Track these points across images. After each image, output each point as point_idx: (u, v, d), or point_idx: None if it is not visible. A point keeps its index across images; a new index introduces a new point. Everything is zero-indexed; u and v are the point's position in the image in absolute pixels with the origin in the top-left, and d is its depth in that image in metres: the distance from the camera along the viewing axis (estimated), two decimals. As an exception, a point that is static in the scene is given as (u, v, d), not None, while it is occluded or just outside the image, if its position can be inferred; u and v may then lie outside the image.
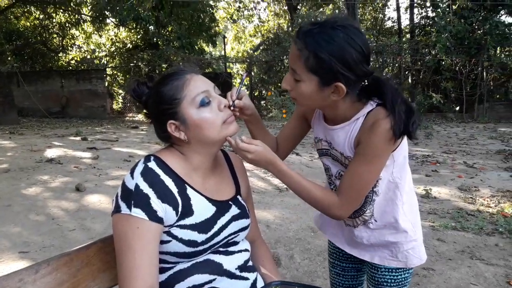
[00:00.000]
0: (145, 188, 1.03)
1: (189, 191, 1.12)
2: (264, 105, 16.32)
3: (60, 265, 1.08)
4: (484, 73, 13.83)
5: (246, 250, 1.25)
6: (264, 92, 16.83)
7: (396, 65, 15.50)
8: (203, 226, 1.11)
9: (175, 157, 1.15)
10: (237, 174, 1.31)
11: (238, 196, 1.26)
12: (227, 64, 17.71)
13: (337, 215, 1.22)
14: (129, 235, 1.02)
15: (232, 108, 1.17)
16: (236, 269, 1.18)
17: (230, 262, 1.18)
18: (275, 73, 16.61)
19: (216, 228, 1.13)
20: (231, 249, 1.20)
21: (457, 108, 14.47)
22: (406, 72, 15.43)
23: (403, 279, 1.34)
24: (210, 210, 1.15)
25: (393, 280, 1.34)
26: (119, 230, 1.03)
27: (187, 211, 1.10)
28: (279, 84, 15.86)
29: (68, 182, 5.00)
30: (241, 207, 1.24)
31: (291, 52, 1.11)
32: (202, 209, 1.13)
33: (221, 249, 1.18)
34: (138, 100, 1.20)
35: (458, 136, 9.71)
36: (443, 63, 14.12)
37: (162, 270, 1.11)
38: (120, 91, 19.37)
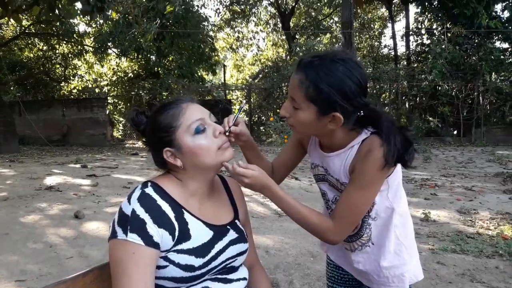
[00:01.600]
0: (142, 213, 1.05)
1: (186, 215, 1.13)
2: (263, 130, 16.42)
3: None
4: (480, 97, 14.00)
5: (244, 278, 1.25)
6: (263, 117, 16.96)
7: (393, 90, 15.70)
8: (200, 251, 1.11)
9: (172, 183, 1.17)
10: (235, 198, 1.32)
11: (236, 221, 1.27)
12: (227, 91, 17.93)
13: (332, 240, 1.25)
14: (125, 260, 1.02)
15: (227, 134, 1.21)
16: None
17: None
18: (274, 100, 16.81)
19: (213, 252, 1.14)
20: (230, 276, 1.20)
21: (455, 132, 14.56)
22: (403, 98, 15.61)
23: None
24: (208, 234, 1.15)
25: None
26: (115, 255, 1.04)
27: (184, 235, 1.10)
28: (278, 110, 16.02)
29: (67, 209, 4.99)
30: (239, 232, 1.25)
31: (291, 82, 1.16)
32: (199, 234, 1.13)
33: (219, 276, 1.18)
34: (137, 128, 1.24)
35: (456, 159, 9.73)
36: (439, 88, 14.30)
37: None
38: (121, 119, 19.54)
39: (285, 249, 3.66)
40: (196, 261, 1.09)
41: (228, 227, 1.22)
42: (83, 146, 15.09)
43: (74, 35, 16.28)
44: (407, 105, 15.59)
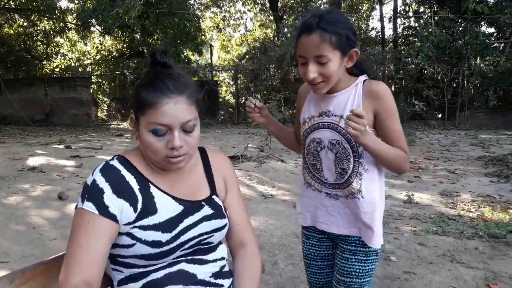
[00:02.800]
0: (101, 182, 1.05)
1: (153, 189, 1.12)
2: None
3: (35, 274, 1.08)
4: (465, 81, 14.13)
5: (222, 258, 1.23)
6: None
7: (380, 74, 15.74)
8: (167, 225, 1.09)
9: (139, 158, 1.16)
10: (214, 173, 1.26)
11: (214, 196, 1.22)
12: (213, 72, 17.74)
13: (408, 168, 1.42)
14: (78, 228, 1.03)
15: (255, 107, 1.53)
16: (210, 277, 1.17)
17: (205, 272, 1.16)
18: (261, 81, 16.70)
19: (181, 226, 1.11)
20: (206, 257, 1.18)
21: (439, 116, 14.74)
22: (390, 81, 15.67)
23: (372, 261, 1.46)
24: (176, 209, 1.13)
25: (362, 259, 1.44)
26: (73, 223, 1.05)
27: (149, 209, 1.09)
28: (265, 92, 15.95)
29: (50, 190, 4.93)
30: (216, 208, 1.20)
31: (310, 43, 1.29)
32: (167, 208, 1.11)
33: (195, 257, 1.16)
34: (154, 64, 1.15)
35: (440, 142, 9.87)
36: (425, 71, 14.39)
37: (136, 277, 1.10)
38: (106, 99, 19.25)
39: (269, 230, 3.69)
40: (163, 236, 1.07)
41: (202, 203, 1.19)
42: (66, 126, 14.85)
43: (56, 12, 15.81)
44: (393, 88, 15.66)
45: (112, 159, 1.13)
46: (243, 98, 17.51)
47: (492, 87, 13.91)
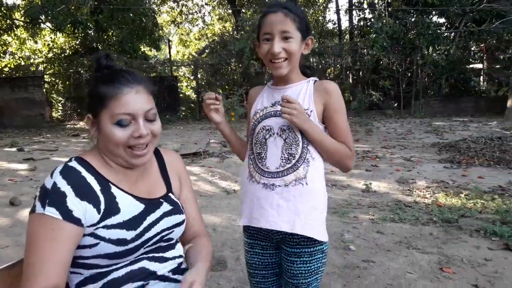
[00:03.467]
0: (63, 185, 1.02)
1: (114, 189, 1.12)
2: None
3: None
4: (419, 71, 14.62)
5: (180, 256, 1.26)
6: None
7: (338, 65, 16.02)
8: (131, 223, 1.10)
9: (98, 158, 1.15)
10: (169, 172, 1.31)
11: (170, 194, 1.27)
12: (173, 67, 17.44)
13: (351, 166, 1.47)
14: (39, 236, 0.99)
15: (216, 99, 1.48)
16: (169, 272, 1.20)
17: (164, 268, 1.19)
18: (222, 76, 16.59)
19: (145, 223, 1.13)
20: (166, 254, 1.21)
21: (395, 105, 15.19)
22: (347, 72, 15.99)
23: (318, 259, 1.43)
24: (138, 207, 1.15)
25: (307, 260, 1.41)
26: (31, 229, 1.00)
27: (112, 209, 1.09)
28: (226, 87, 15.87)
29: (1, 196, 4.70)
30: (173, 204, 1.25)
31: (275, 19, 1.37)
32: (129, 207, 1.13)
33: (156, 254, 1.18)
34: (96, 68, 1.18)
35: (396, 131, 10.20)
36: (381, 62, 14.77)
37: (96, 277, 1.09)
38: (60, 98, 18.51)
39: (232, 226, 3.68)
40: (128, 234, 1.08)
41: (161, 200, 1.22)
42: (19, 128, 14.16)
43: (2, 8, 14.98)
44: (350, 80, 15.99)
45: (70, 160, 1.11)
46: (204, 92, 17.33)
47: (444, 76, 14.46)
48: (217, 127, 1.58)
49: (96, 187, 1.08)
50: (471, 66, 15.47)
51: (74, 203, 1.01)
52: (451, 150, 7.00)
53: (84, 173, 1.08)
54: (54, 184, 1.01)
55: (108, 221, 1.07)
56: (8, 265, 1.11)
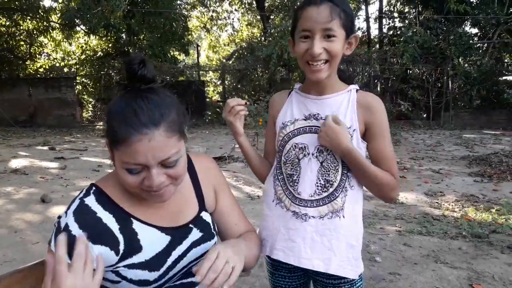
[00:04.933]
0: (75, 229, 0.93)
1: (135, 224, 1.02)
2: (238, 113, 16.37)
3: (12, 283, 1.03)
4: (449, 81, 14.30)
5: None
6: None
7: (366, 74, 15.85)
8: (154, 263, 1.01)
9: (118, 186, 1.03)
10: (202, 184, 1.17)
11: (203, 213, 1.14)
12: (200, 72, 17.67)
13: (395, 196, 1.26)
14: (48, 271, 0.90)
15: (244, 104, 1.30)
16: None
17: None
18: (249, 82, 16.69)
19: (170, 261, 1.04)
20: (194, 279, 1.09)
21: (424, 116, 14.89)
22: (376, 81, 15.80)
23: (360, 285, 1.29)
24: (163, 241, 1.05)
25: (351, 286, 1.26)
26: (46, 262, 0.93)
27: (133, 248, 1.00)
28: (252, 92, 15.93)
29: (33, 193, 4.85)
30: (204, 227, 1.12)
31: (318, 14, 1.15)
32: (152, 243, 1.03)
33: (184, 280, 1.09)
34: (129, 73, 0.96)
35: (425, 142, 9.99)
36: (410, 72, 14.53)
37: None
38: (91, 99, 19.04)
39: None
40: (151, 275, 1.00)
41: (190, 225, 1.09)
42: (51, 128, 14.64)
43: (39, 11, 15.58)
44: (378, 88, 15.80)
45: (88, 193, 1.01)
46: (231, 98, 17.46)
47: (475, 87, 14.10)
48: (238, 138, 1.37)
49: (114, 227, 0.98)
50: (504, 78, 15.03)
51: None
52: (482, 164, 6.80)
53: (100, 212, 0.98)
54: (66, 225, 0.94)
55: (129, 261, 0.99)
56: (40, 260, 1.09)
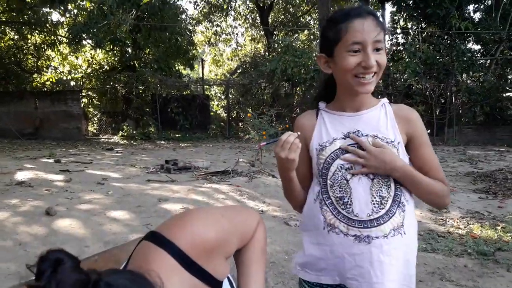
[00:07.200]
0: None
1: None
2: (242, 127, 16.42)
3: (106, 258, 1.07)
4: (453, 97, 14.33)
5: None
6: (242, 114, 16.99)
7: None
8: None
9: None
10: None
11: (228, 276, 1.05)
12: (205, 86, 17.81)
13: (448, 202, 1.27)
14: None
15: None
16: None
17: None
18: (252, 96, 16.80)
19: None
20: None
21: (428, 131, 14.82)
22: (379, 96, 15.82)
23: None
24: None
25: None
26: None
27: None
28: (256, 106, 16.02)
29: (38, 206, 4.86)
30: None
31: (368, 27, 1.14)
32: None
33: None
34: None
35: (429, 158, 9.94)
36: (413, 87, 14.59)
37: None
38: (96, 112, 19.19)
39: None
40: None
41: None
42: (56, 140, 14.73)
43: (47, 25, 15.83)
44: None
45: None
46: (234, 112, 17.56)
47: (479, 103, 14.12)
48: (290, 174, 1.27)
49: None
50: (507, 94, 15.05)
51: None
52: (487, 180, 6.77)
53: None
54: None
55: None
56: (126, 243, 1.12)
